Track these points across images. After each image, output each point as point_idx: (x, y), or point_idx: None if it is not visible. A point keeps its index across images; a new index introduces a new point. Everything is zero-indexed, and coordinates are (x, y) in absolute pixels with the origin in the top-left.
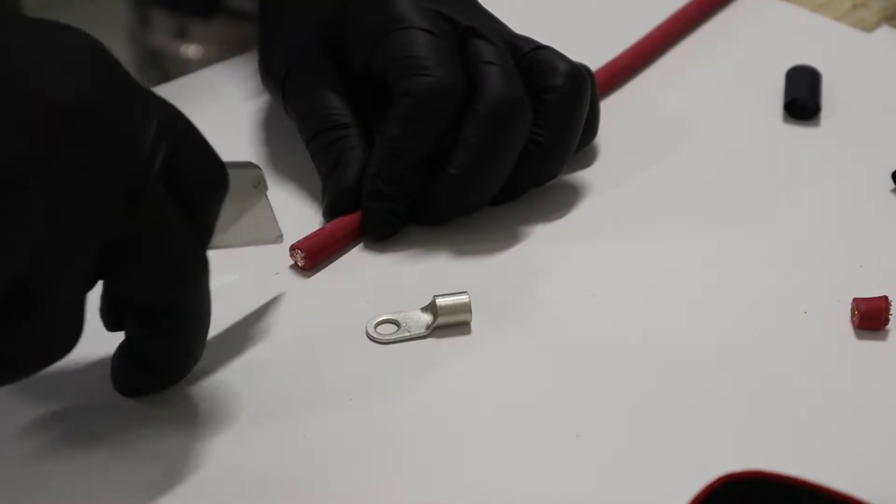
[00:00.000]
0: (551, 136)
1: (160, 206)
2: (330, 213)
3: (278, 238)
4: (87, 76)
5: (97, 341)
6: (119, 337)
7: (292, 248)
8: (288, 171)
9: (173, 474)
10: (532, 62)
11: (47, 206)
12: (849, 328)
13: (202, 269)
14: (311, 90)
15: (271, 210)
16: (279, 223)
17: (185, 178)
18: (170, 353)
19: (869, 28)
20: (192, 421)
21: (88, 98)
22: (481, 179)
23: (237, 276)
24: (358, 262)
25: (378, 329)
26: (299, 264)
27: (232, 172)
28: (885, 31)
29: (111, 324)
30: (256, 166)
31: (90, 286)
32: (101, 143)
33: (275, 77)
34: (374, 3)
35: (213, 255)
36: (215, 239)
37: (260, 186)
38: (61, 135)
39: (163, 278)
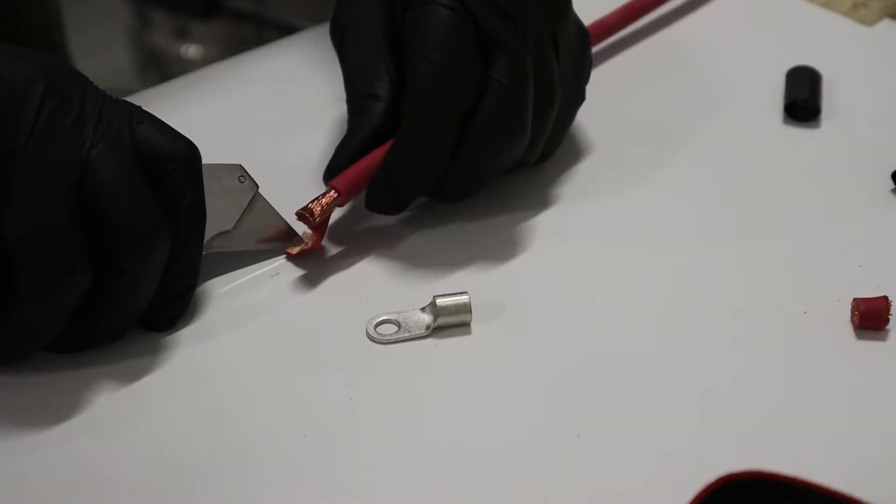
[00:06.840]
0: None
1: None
2: (327, 177)
3: (290, 234)
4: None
5: None
6: None
7: (327, 193)
8: (289, 170)
9: (168, 473)
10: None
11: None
12: (849, 328)
13: (155, 239)
14: (359, 53)
15: (273, 209)
16: (287, 222)
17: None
18: (107, 305)
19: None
20: (193, 419)
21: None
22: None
23: (236, 277)
24: (358, 263)
25: (378, 329)
26: (307, 243)
27: (208, 166)
28: (885, 24)
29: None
30: (237, 164)
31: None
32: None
33: (335, 35)
34: None
35: (216, 259)
36: (225, 241)
37: (247, 182)
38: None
39: (115, 242)
